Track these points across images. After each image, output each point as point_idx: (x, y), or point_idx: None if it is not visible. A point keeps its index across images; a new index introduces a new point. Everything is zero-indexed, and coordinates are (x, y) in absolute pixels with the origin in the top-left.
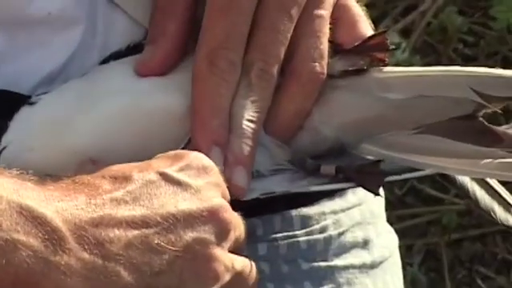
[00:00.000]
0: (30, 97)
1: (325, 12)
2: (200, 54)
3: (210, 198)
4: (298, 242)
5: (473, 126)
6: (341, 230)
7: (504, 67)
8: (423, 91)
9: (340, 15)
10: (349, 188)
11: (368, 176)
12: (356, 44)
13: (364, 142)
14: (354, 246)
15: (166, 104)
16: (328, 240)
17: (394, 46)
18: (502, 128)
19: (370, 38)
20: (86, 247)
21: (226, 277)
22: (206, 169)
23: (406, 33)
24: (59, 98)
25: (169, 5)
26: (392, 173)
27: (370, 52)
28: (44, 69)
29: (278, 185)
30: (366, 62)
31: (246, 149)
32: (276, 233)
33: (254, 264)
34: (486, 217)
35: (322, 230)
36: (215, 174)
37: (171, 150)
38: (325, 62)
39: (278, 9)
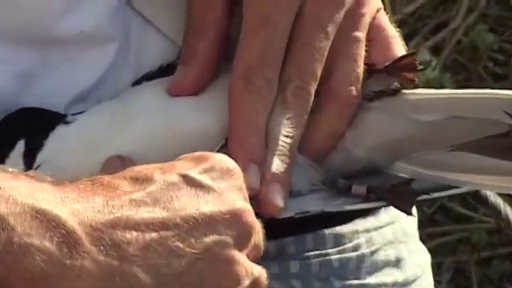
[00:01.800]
0: (65, 115)
1: (361, 34)
2: (236, 72)
3: (234, 200)
4: (331, 260)
5: (508, 143)
6: (373, 248)
7: None
8: (456, 112)
9: (374, 36)
10: (382, 207)
11: (400, 196)
12: (386, 64)
13: (397, 160)
14: (387, 264)
15: (200, 124)
16: (361, 258)
17: (423, 66)
18: None
19: (400, 58)
20: (102, 249)
21: (246, 281)
22: (230, 171)
23: (436, 50)
24: (94, 117)
25: (201, 25)
26: (423, 192)
27: (399, 72)
28: (77, 86)
29: (313, 204)
30: (397, 83)
31: (283, 166)
32: (308, 251)
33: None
34: None
35: (355, 248)
36: (239, 178)
37: None
38: (360, 85)
39: (315, 26)
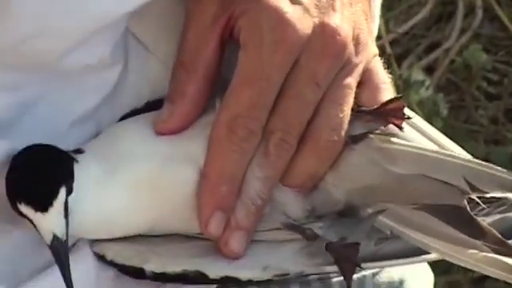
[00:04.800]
0: (72, 158)
1: (352, 81)
2: (221, 119)
3: None
4: (331, 284)
5: (462, 215)
6: (375, 270)
7: None
8: (424, 171)
9: (366, 79)
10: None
11: (344, 262)
12: (374, 108)
13: (373, 205)
14: (389, 286)
15: (188, 176)
16: (362, 281)
17: (409, 116)
18: (487, 222)
19: (388, 102)
20: None
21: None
22: None
23: (429, 70)
24: (91, 159)
25: (190, 61)
26: (364, 260)
27: (386, 116)
28: (78, 109)
29: (292, 263)
30: (382, 127)
31: (250, 217)
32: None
33: None
34: None
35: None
36: None
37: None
38: (344, 131)
39: (308, 79)
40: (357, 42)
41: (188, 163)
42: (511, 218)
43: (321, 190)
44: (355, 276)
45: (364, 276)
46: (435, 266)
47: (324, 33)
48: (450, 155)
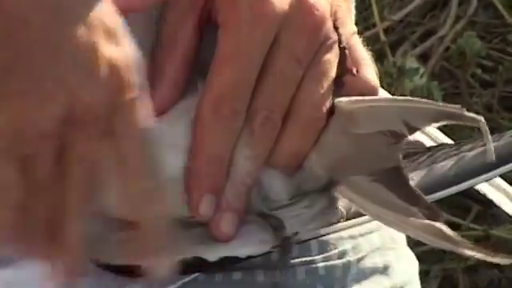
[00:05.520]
0: None
1: (332, 56)
2: (205, 101)
3: None
4: (317, 268)
5: (400, 178)
6: (360, 255)
7: None
8: (375, 126)
9: None
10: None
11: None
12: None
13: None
14: (374, 271)
15: (170, 161)
16: (347, 266)
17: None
18: (417, 182)
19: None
20: None
21: None
22: None
23: (424, 58)
24: None
25: (170, 43)
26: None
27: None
28: None
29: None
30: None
31: (240, 198)
32: (294, 258)
33: None
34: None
35: (341, 255)
36: None
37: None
38: (325, 107)
39: (289, 56)
40: (335, 17)
41: (169, 148)
42: (438, 169)
43: (305, 169)
44: (340, 261)
45: (349, 261)
46: (429, 254)
47: (301, 8)
48: (389, 100)
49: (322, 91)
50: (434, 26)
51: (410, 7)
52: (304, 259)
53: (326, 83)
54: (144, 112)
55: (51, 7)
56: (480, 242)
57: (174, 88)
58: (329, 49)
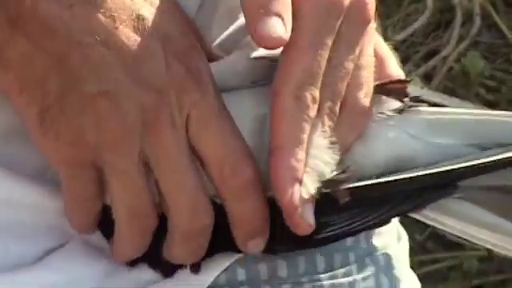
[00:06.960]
0: None
1: (372, 48)
2: (287, 88)
3: None
4: (322, 285)
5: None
6: (365, 274)
7: None
8: (474, 139)
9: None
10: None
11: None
12: (377, 83)
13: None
14: (369, 253)
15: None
16: (352, 284)
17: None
18: None
19: (394, 81)
20: None
21: None
22: None
23: (427, 78)
24: None
25: None
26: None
27: (387, 95)
28: None
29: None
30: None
31: (316, 187)
32: (300, 275)
33: None
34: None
35: (347, 273)
36: None
37: None
38: (369, 98)
39: (348, 46)
40: None
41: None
42: None
43: (348, 161)
44: (345, 280)
45: (354, 280)
46: (433, 274)
47: (359, 1)
48: (467, 113)
49: (370, 83)
50: (437, 46)
51: (414, 27)
52: (310, 276)
53: (371, 75)
54: None
55: None
56: (483, 261)
57: None
58: (371, 40)
